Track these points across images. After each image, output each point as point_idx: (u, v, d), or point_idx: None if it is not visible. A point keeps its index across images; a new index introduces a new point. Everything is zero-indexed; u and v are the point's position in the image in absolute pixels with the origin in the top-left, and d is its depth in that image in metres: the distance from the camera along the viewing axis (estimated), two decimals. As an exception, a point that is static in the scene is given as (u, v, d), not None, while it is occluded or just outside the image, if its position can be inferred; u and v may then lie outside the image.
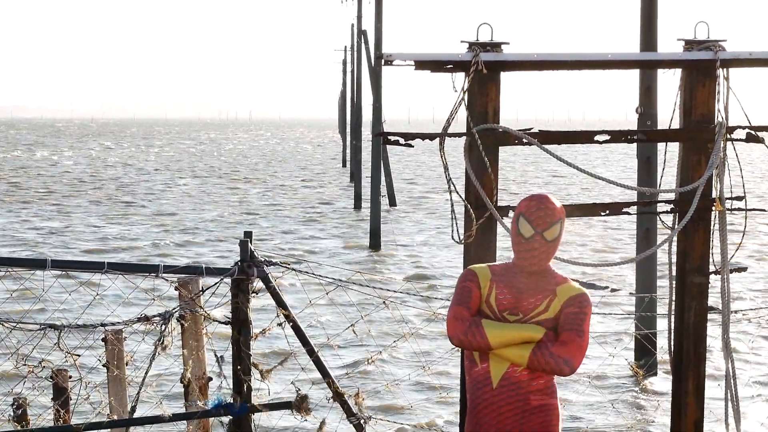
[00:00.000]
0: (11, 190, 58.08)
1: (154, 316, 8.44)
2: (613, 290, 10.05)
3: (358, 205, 48.60)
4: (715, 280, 7.77)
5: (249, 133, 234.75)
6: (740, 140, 7.55)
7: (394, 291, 9.71)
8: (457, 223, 7.21)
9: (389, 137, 7.15)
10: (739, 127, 7.53)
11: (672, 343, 7.69)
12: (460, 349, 6.64)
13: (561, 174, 75.92)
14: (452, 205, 7.26)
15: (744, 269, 8.20)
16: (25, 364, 8.48)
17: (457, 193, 7.21)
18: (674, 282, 7.68)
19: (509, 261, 6.33)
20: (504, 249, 7.26)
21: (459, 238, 7.22)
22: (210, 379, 8.85)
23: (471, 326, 6.02)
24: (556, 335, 6.04)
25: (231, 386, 8.60)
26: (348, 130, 69.31)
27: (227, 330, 8.67)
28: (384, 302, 9.27)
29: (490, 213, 7.08)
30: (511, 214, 7.27)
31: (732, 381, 7.69)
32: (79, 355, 8.48)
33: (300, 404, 8.62)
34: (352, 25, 63.64)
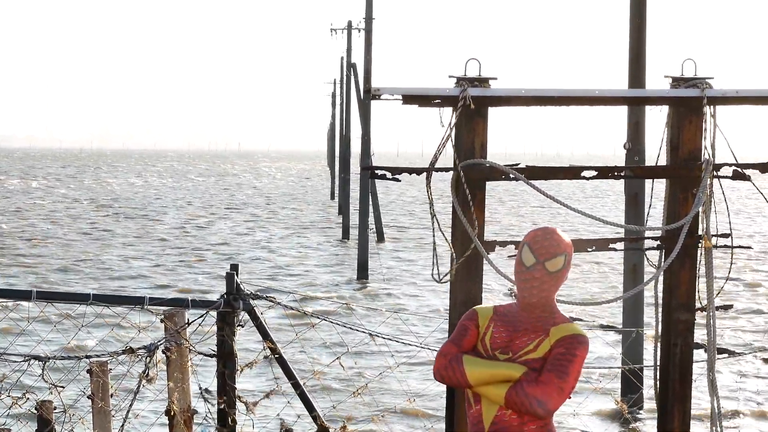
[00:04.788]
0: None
1: (140, 348, 8.41)
2: (604, 327, 10.04)
3: (346, 238, 48.59)
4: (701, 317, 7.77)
5: (237, 165, 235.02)
6: (727, 177, 7.58)
7: (381, 324, 9.69)
8: (438, 261, 7.20)
9: (376, 171, 7.16)
10: (726, 164, 7.56)
11: (658, 379, 7.69)
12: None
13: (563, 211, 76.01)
14: (434, 243, 7.25)
15: (730, 307, 8.21)
16: (8, 395, 8.44)
17: (441, 231, 7.20)
18: (660, 318, 7.68)
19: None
20: (499, 286, 7.25)
21: (439, 277, 7.22)
22: (195, 412, 8.82)
23: (451, 361, 5.90)
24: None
25: (216, 419, 8.56)
26: (336, 162, 69.40)
27: (213, 363, 8.65)
28: (370, 335, 9.26)
29: (475, 248, 7.09)
30: (498, 248, 7.28)
31: (717, 419, 7.68)
32: (63, 387, 8.45)
33: (285, 438, 8.59)
34: (342, 58, 63.80)
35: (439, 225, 7.23)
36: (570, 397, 5.90)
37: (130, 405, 8.47)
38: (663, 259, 7.60)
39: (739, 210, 74.68)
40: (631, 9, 17.31)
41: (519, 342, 5.92)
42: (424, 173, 7.22)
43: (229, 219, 62.80)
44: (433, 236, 7.22)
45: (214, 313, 8.51)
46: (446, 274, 7.19)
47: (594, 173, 7.40)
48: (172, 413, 8.67)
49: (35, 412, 8.65)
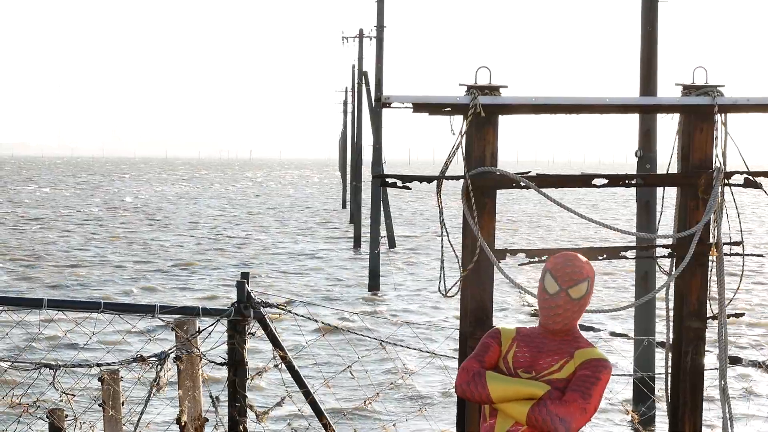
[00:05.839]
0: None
1: (150, 356, 8.42)
2: (612, 334, 10.02)
3: (357, 246, 48.58)
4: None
5: (250, 173, 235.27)
6: (738, 185, 7.56)
7: (391, 333, 9.68)
8: (444, 274, 7.19)
9: (387, 179, 7.16)
10: (737, 172, 7.54)
11: (669, 387, 7.67)
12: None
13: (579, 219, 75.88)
14: (442, 256, 7.25)
15: (741, 315, 8.18)
16: (20, 404, 8.46)
17: (450, 243, 7.19)
18: (672, 326, 7.66)
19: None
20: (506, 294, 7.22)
21: (445, 290, 7.22)
22: (206, 420, 8.83)
23: (474, 377, 5.87)
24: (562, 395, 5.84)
25: (226, 428, 8.56)
26: (348, 171, 69.42)
27: (224, 371, 8.65)
28: (381, 343, 9.25)
29: (484, 257, 7.07)
30: (508, 257, 7.27)
31: (729, 426, 7.66)
32: (74, 395, 8.46)
33: (295, 446, 8.58)
34: (353, 66, 63.80)
35: (448, 236, 7.21)
36: (590, 420, 5.87)
37: (141, 413, 8.48)
38: (674, 267, 7.59)
39: None
40: (642, 17, 17.30)
41: (543, 362, 5.93)
42: (435, 181, 7.22)
43: (241, 227, 62.85)
44: (441, 248, 7.21)
45: (225, 321, 8.52)
46: (452, 287, 7.18)
47: (605, 181, 7.38)
48: (182, 421, 8.68)
49: (46, 419, 8.67)
